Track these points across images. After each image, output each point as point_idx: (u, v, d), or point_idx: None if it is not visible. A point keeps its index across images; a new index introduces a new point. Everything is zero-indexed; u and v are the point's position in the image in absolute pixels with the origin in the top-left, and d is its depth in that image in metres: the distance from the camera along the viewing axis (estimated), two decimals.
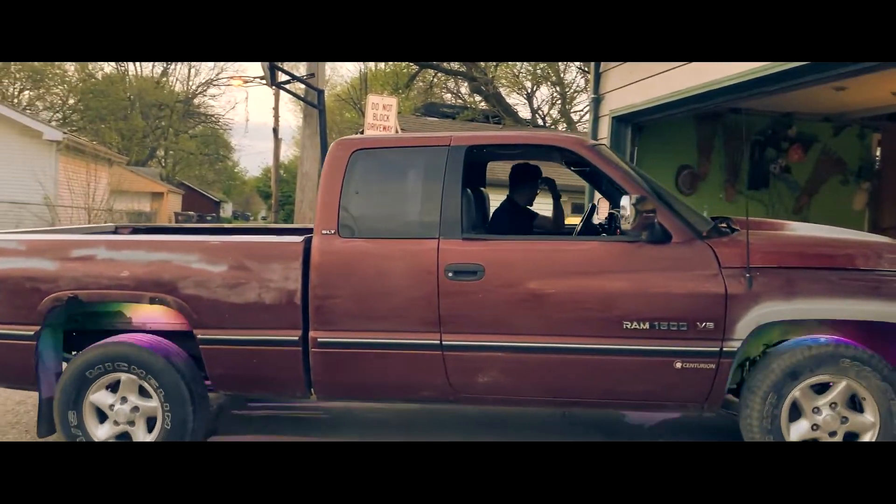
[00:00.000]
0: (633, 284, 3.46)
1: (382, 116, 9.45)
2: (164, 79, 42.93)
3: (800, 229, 4.33)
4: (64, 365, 3.94)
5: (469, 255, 3.59)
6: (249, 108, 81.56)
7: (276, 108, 28.01)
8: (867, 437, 3.38)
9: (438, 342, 3.58)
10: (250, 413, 4.91)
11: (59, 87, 36.81)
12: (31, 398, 5.10)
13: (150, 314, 3.91)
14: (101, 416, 3.77)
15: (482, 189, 4.73)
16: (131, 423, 3.75)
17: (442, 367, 3.60)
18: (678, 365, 3.43)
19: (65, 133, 19.90)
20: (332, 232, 3.69)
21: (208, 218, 36.58)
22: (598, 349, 3.48)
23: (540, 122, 30.60)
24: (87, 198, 16.65)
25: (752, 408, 3.43)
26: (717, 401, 3.51)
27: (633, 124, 7.72)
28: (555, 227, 4.87)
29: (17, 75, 34.68)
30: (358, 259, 3.66)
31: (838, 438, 3.40)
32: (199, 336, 3.67)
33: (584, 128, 24.78)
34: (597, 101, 8.17)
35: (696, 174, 8.01)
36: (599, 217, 4.93)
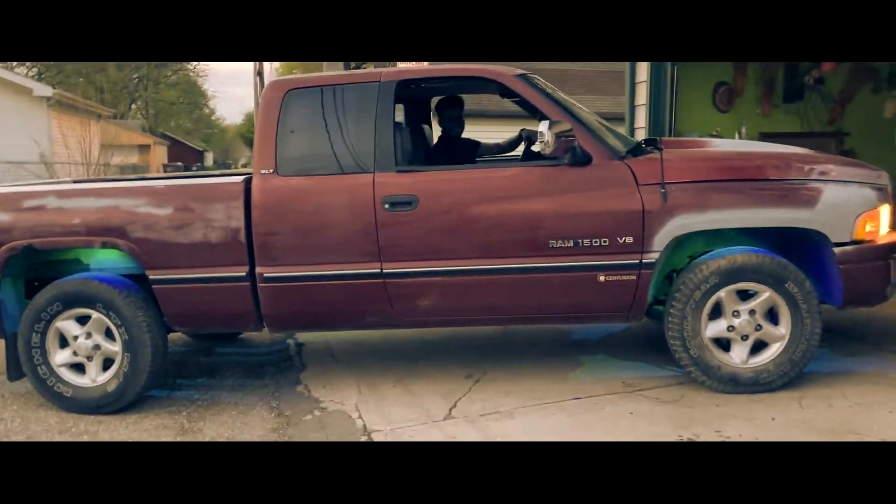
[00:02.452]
0: (556, 205, 3.65)
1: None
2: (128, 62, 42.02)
3: (717, 145, 4.51)
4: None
5: (403, 186, 3.76)
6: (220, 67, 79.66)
7: (259, 75, 28.00)
8: (775, 347, 3.65)
9: (379, 271, 3.78)
10: (219, 360, 5.14)
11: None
12: None
13: (105, 259, 4.08)
14: (63, 344, 3.99)
15: (424, 125, 4.87)
16: (90, 358, 3.96)
17: (385, 294, 3.81)
18: (602, 278, 3.66)
19: (54, 88, 19.58)
20: (271, 171, 3.85)
21: (194, 168, 36.28)
22: (528, 268, 3.69)
23: None
24: (84, 153, 16.46)
25: (676, 307, 3.68)
26: (639, 310, 3.75)
27: None
28: (502, 150, 5.05)
29: None
30: (297, 196, 3.83)
31: (748, 344, 3.67)
32: (150, 277, 3.85)
33: None
34: None
35: (732, 90, 7.84)
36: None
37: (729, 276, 3.62)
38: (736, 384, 3.68)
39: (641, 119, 7.07)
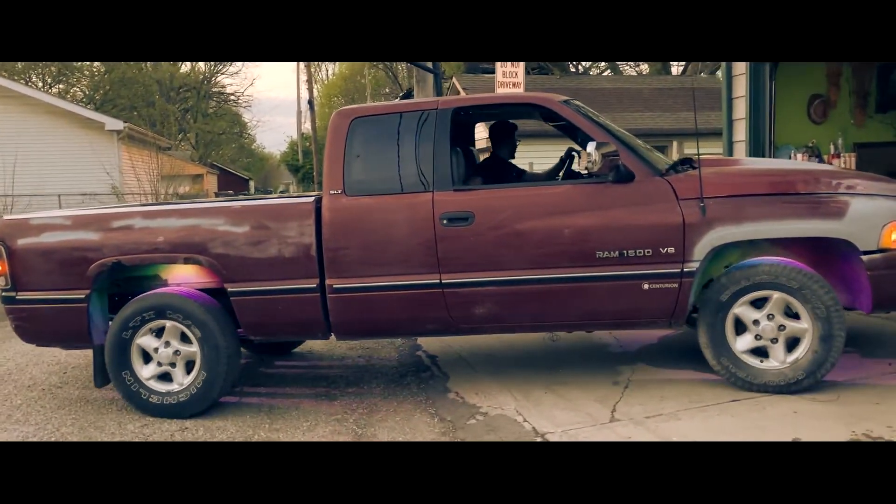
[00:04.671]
0: (603, 219, 3.97)
1: (511, 73, 9.93)
2: (179, 62, 43.10)
3: (750, 163, 4.82)
4: (110, 324, 4.49)
5: (460, 204, 4.10)
6: (264, 83, 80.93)
7: (309, 81, 30.26)
8: (806, 341, 3.92)
9: (438, 281, 4.11)
10: (277, 371, 5.47)
11: (85, 80, 37.96)
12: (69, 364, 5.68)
13: (185, 274, 4.44)
14: (147, 359, 4.32)
15: (470, 147, 5.22)
16: (173, 364, 4.30)
17: (443, 303, 4.14)
18: (645, 286, 3.96)
19: (125, 123, 20.63)
20: (339, 191, 4.20)
21: (241, 195, 37.00)
22: (576, 277, 4.01)
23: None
24: (153, 184, 17.16)
25: (705, 321, 3.99)
26: (680, 316, 4.04)
27: None
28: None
29: (46, 70, 36.09)
30: (363, 214, 4.18)
31: (780, 345, 3.95)
32: (229, 289, 4.21)
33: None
34: None
35: (826, 102, 8.01)
36: (579, 166, 5.41)
37: (747, 285, 3.92)
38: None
39: (741, 133, 7.23)
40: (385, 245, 4.16)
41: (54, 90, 35.22)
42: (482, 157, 5.34)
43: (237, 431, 4.04)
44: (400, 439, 3.79)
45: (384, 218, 4.17)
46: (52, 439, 4.07)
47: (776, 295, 3.90)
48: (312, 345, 6.00)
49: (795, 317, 3.94)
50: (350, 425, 4.05)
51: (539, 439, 3.62)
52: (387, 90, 36.34)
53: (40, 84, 35.55)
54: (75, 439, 4.05)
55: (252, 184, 46.96)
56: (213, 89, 44.61)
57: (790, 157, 7.27)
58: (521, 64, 10.24)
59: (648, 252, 3.93)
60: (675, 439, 3.47)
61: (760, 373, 3.98)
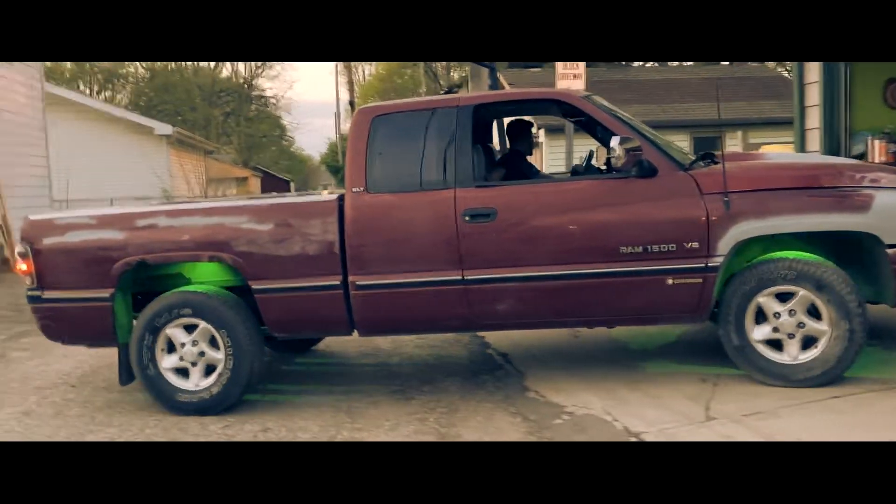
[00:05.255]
0: (626, 214, 3.98)
1: (571, 66, 9.95)
2: (219, 66, 43.39)
3: (773, 157, 4.81)
4: (134, 323, 4.52)
5: (482, 200, 4.11)
6: (302, 86, 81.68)
7: (350, 81, 30.35)
8: (823, 341, 3.90)
9: (461, 278, 4.12)
10: (297, 369, 5.49)
11: (130, 87, 39.00)
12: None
13: (207, 273, 4.47)
14: (171, 350, 4.34)
15: (489, 144, 5.24)
16: (194, 363, 4.32)
17: (465, 299, 4.15)
18: (670, 281, 3.96)
19: (174, 127, 21.16)
20: (362, 189, 4.22)
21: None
22: (600, 273, 4.01)
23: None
24: (202, 187, 17.43)
25: (727, 313, 3.99)
26: (705, 311, 4.04)
27: None
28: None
29: (93, 78, 37.18)
30: (385, 211, 4.19)
31: (797, 341, 3.94)
32: (253, 287, 4.23)
33: None
34: None
35: None
36: (598, 161, 5.43)
37: (772, 278, 3.91)
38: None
39: (814, 120, 7.10)
40: (407, 242, 4.18)
41: (101, 97, 35.86)
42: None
43: (320, 431, 3.97)
44: (486, 440, 3.68)
45: (406, 215, 4.19)
46: (139, 440, 4.02)
47: (802, 292, 3.88)
48: (347, 343, 5.85)
49: (818, 315, 3.92)
50: (432, 424, 3.96)
51: (634, 439, 3.49)
52: (423, 89, 36.24)
53: (88, 92, 36.22)
54: (161, 440, 4.01)
55: (293, 185, 47.36)
56: (254, 93, 44.93)
57: (866, 145, 7.11)
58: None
59: (672, 247, 3.93)
60: (779, 438, 3.29)
61: (776, 365, 3.97)
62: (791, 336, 3.94)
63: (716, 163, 4.31)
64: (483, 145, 4.77)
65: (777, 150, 7.02)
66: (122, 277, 4.33)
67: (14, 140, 13.22)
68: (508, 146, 5.23)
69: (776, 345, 4.00)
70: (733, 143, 16.85)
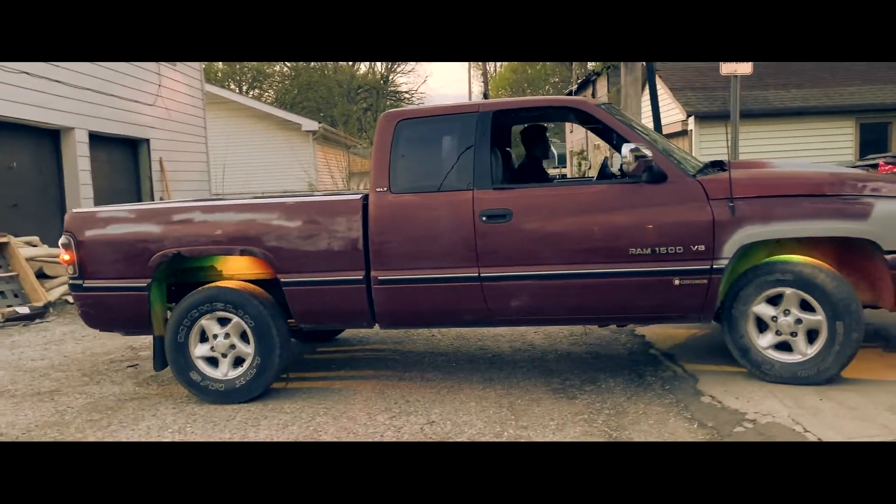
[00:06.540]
0: (636, 218, 4.18)
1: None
2: (357, 63, 44.20)
3: (778, 165, 4.99)
4: (168, 313, 4.79)
5: (499, 201, 4.34)
6: (436, 81, 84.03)
7: (484, 74, 33.15)
8: (823, 333, 4.07)
9: (477, 275, 4.34)
10: (320, 356, 5.76)
11: (276, 86, 40.52)
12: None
13: (240, 266, 4.73)
14: (203, 339, 4.62)
15: (507, 149, 5.46)
16: (224, 355, 4.59)
17: (481, 295, 4.37)
18: (677, 282, 4.16)
19: (319, 124, 21.97)
20: (385, 189, 4.46)
21: None
22: (610, 272, 4.22)
23: None
24: (346, 181, 17.98)
25: (731, 317, 4.20)
26: (709, 311, 4.23)
27: None
28: None
29: (243, 77, 39.03)
30: (407, 210, 4.43)
31: (801, 338, 4.12)
32: (282, 280, 4.48)
33: None
34: None
35: None
36: (613, 167, 5.63)
37: (763, 282, 4.14)
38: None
39: None
40: (427, 240, 4.41)
41: (250, 95, 36.97)
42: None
43: (484, 427, 3.96)
44: None
45: (427, 214, 4.42)
46: (311, 429, 4.07)
47: (789, 291, 4.08)
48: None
49: (812, 310, 4.10)
50: (600, 426, 3.87)
51: None
52: (556, 79, 35.75)
53: (238, 91, 37.51)
54: (332, 429, 4.05)
55: None
56: (389, 88, 45.42)
57: None
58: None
59: (679, 249, 4.12)
60: None
61: (783, 365, 4.16)
62: (794, 335, 4.13)
63: (724, 170, 4.51)
64: (501, 150, 4.99)
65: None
66: (159, 268, 4.60)
67: (180, 138, 14.32)
68: (525, 151, 5.45)
69: (783, 346, 4.19)
70: None
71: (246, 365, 4.55)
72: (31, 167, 10.35)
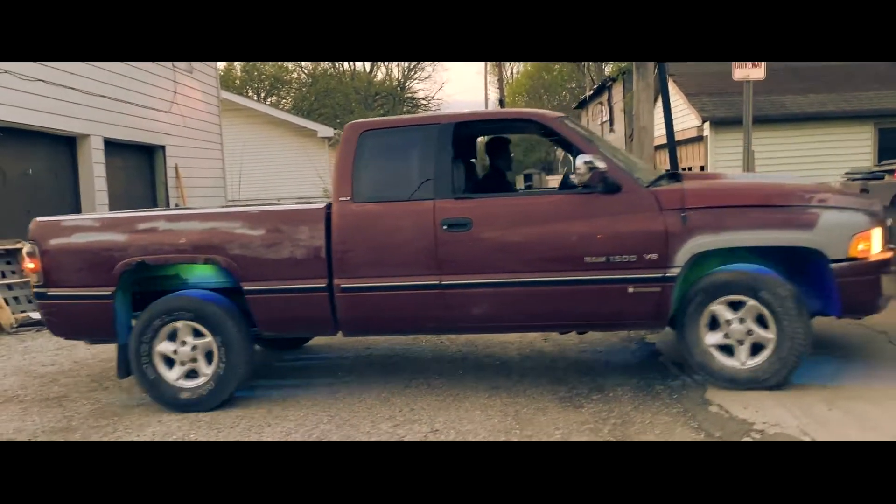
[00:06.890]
0: (591, 227, 4.29)
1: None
2: (374, 70, 44.23)
3: (731, 177, 5.14)
4: (133, 322, 4.81)
5: (459, 210, 4.43)
6: (452, 87, 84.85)
7: (500, 80, 32.43)
8: (769, 349, 4.20)
9: (438, 283, 4.42)
10: (325, 363, 5.75)
11: (293, 92, 40.68)
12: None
13: (203, 274, 4.78)
14: (169, 364, 4.64)
15: (472, 160, 5.57)
16: (185, 363, 4.62)
17: (443, 303, 4.45)
18: (631, 290, 4.27)
19: (335, 130, 22.03)
20: (348, 198, 4.54)
21: None
22: (567, 280, 4.32)
23: None
24: None
25: (683, 320, 4.30)
26: (663, 318, 4.34)
27: None
28: None
29: (261, 85, 39.32)
30: (369, 219, 4.51)
31: (745, 347, 4.24)
32: (245, 287, 4.53)
33: None
34: None
35: None
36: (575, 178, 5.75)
37: (722, 288, 4.25)
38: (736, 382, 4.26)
39: None
40: (389, 248, 4.49)
41: (267, 102, 36.82)
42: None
43: (488, 434, 3.96)
44: None
45: (389, 223, 4.50)
46: (315, 435, 4.10)
47: (750, 302, 4.19)
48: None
49: (765, 325, 4.22)
50: (605, 436, 3.83)
51: None
52: (573, 84, 35.79)
53: (255, 98, 37.53)
54: (335, 437, 4.07)
55: None
56: (406, 95, 45.31)
57: None
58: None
59: (633, 258, 4.23)
60: None
61: (726, 369, 4.28)
62: (741, 343, 4.24)
63: (679, 181, 4.64)
64: (465, 161, 5.09)
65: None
66: (123, 277, 4.63)
67: (196, 144, 14.33)
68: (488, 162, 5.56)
69: (728, 350, 4.31)
70: None
71: (210, 373, 4.58)
72: (46, 174, 10.25)
